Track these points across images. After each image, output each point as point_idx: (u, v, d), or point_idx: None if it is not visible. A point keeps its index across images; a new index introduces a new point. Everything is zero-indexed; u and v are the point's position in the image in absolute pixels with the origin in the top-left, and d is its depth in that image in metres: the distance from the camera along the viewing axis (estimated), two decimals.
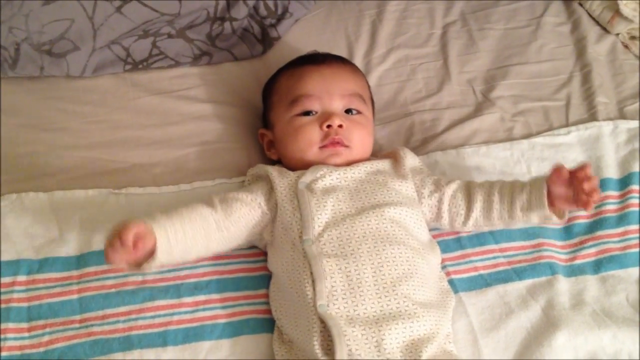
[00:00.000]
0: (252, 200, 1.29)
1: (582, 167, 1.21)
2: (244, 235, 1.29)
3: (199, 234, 1.22)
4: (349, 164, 1.34)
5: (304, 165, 1.34)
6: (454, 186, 1.33)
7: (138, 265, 1.15)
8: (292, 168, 1.37)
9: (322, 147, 1.34)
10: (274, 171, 1.33)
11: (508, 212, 1.29)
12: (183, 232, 1.19)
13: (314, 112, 1.36)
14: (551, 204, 1.25)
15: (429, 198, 1.33)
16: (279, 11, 1.70)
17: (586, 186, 1.19)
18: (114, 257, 1.11)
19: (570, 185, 1.22)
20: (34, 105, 1.51)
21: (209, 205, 1.26)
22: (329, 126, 1.34)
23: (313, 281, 1.17)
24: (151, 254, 1.14)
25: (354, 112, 1.38)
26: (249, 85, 1.61)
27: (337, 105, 1.37)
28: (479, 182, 1.34)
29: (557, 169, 1.23)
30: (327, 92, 1.37)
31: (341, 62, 1.47)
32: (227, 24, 1.64)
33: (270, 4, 1.70)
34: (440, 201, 1.32)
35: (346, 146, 1.35)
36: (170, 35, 1.61)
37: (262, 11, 1.69)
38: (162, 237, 1.15)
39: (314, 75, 1.39)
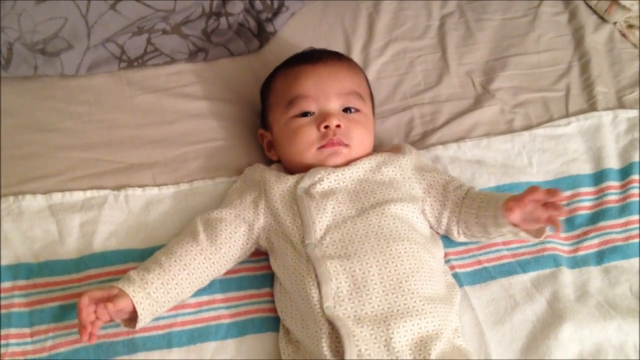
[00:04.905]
0: (235, 217, 1.28)
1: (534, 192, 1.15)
2: (238, 253, 1.28)
3: (184, 275, 1.20)
4: (348, 163, 1.33)
5: (304, 167, 1.33)
6: (459, 193, 1.31)
7: (131, 323, 1.17)
8: (292, 169, 1.36)
9: (320, 148, 1.33)
10: (271, 176, 1.32)
11: (483, 229, 1.27)
12: (163, 281, 1.18)
13: (311, 113, 1.35)
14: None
15: (434, 200, 1.32)
16: (275, 5, 1.68)
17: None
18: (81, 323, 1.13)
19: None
20: (28, 106, 1.49)
21: (192, 235, 1.25)
22: (326, 127, 1.32)
23: (318, 284, 1.17)
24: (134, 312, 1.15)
25: (352, 110, 1.37)
26: (246, 82, 1.59)
27: (334, 105, 1.35)
28: (471, 194, 1.31)
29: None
30: (324, 92, 1.35)
31: (338, 59, 1.44)
32: (222, 19, 1.62)
33: None
34: (443, 206, 1.31)
35: (346, 145, 1.33)
36: (165, 32, 1.59)
37: (258, 5, 1.67)
38: (139, 295, 1.15)
39: (310, 75, 1.37)
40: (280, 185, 1.30)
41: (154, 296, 1.16)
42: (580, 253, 1.38)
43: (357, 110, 1.37)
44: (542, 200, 1.15)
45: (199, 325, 1.24)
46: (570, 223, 1.42)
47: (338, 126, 1.32)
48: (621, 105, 1.61)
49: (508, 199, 1.18)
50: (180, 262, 1.21)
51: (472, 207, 1.27)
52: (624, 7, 1.72)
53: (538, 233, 1.20)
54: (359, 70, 1.48)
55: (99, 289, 1.15)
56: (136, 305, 1.14)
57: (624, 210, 1.43)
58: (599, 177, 1.48)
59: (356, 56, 1.65)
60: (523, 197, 1.16)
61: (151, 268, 1.19)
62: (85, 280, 1.27)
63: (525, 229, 1.19)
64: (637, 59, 1.71)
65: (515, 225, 1.19)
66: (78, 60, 1.51)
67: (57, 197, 1.35)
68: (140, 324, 1.16)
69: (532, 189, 1.15)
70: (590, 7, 1.79)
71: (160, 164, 1.44)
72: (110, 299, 1.13)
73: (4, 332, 1.20)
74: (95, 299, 1.13)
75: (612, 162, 1.49)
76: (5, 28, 1.44)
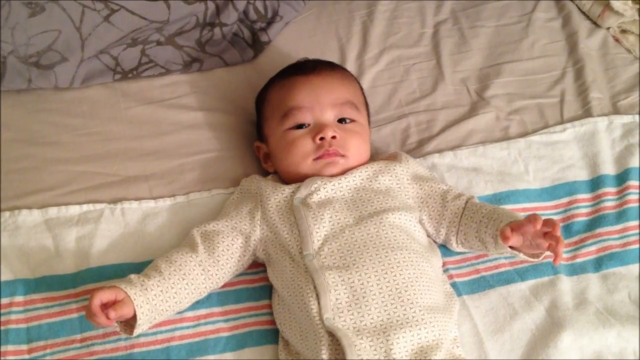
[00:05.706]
0: (232, 229, 1.28)
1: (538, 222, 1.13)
2: (235, 266, 1.27)
3: (183, 285, 1.19)
4: (344, 172, 1.32)
5: (300, 178, 1.32)
6: (458, 203, 1.31)
7: (128, 328, 1.16)
8: (289, 181, 1.35)
9: (316, 159, 1.32)
10: (267, 187, 1.32)
11: (482, 245, 1.26)
12: (162, 289, 1.17)
13: (306, 125, 1.34)
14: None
15: (433, 210, 1.32)
16: (269, 14, 1.68)
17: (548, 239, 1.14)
18: (91, 321, 1.12)
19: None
20: (22, 119, 1.48)
21: (191, 247, 1.24)
22: (322, 138, 1.32)
23: (317, 295, 1.16)
24: (134, 318, 1.14)
25: (347, 121, 1.36)
26: (242, 91, 1.59)
27: (329, 115, 1.35)
28: (471, 206, 1.30)
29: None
30: (318, 103, 1.35)
31: (331, 69, 1.44)
32: (216, 30, 1.62)
33: (260, 7, 1.67)
34: (441, 216, 1.31)
35: (342, 155, 1.33)
36: (159, 43, 1.58)
37: (252, 15, 1.67)
38: (140, 299, 1.13)
39: (304, 86, 1.37)
40: (277, 195, 1.30)
41: (153, 303, 1.15)
42: (579, 260, 1.37)
43: (352, 121, 1.37)
44: (540, 231, 1.14)
45: (197, 339, 1.23)
46: (568, 230, 1.41)
47: (333, 137, 1.32)
48: (616, 110, 1.61)
49: (506, 226, 1.16)
50: (180, 271, 1.20)
51: (473, 220, 1.27)
52: (617, 12, 1.73)
53: (536, 255, 1.20)
54: (352, 80, 1.48)
55: (106, 289, 1.12)
56: (136, 309, 1.12)
57: (620, 216, 1.43)
58: (595, 183, 1.48)
59: (351, 65, 1.65)
60: (521, 227, 1.15)
61: (151, 275, 1.18)
62: (83, 295, 1.26)
63: (524, 252, 1.19)
64: (631, 64, 1.71)
65: (513, 248, 1.19)
66: (72, 73, 1.51)
67: (53, 211, 1.34)
68: (137, 330, 1.14)
69: (532, 218, 1.13)
70: (583, 12, 1.80)
71: (157, 176, 1.44)
72: (115, 302, 1.12)
73: (1, 349, 1.19)
74: (103, 302, 1.11)
75: (608, 169, 1.50)
76: None
